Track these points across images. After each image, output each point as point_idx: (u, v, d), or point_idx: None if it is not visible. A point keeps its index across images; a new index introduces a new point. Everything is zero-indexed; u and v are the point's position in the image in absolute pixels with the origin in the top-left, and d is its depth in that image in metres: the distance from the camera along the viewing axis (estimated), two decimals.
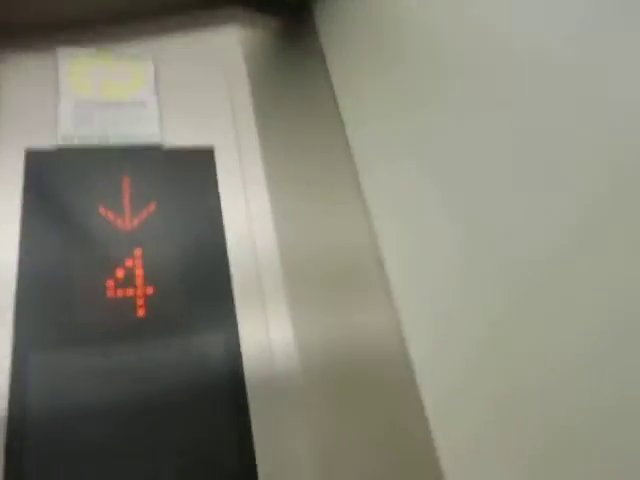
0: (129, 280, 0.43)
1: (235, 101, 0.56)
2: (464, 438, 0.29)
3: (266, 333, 0.45)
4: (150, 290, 0.43)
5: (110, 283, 0.42)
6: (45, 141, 0.46)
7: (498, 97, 0.31)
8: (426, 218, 0.34)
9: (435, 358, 0.31)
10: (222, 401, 0.41)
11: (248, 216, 0.50)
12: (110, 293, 0.42)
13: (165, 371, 0.41)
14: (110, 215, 0.45)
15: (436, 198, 0.33)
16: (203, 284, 0.45)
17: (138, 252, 0.44)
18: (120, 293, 0.42)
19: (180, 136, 0.51)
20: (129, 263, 0.43)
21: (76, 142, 0.46)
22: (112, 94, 0.50)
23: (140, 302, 0.43)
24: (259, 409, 0.41)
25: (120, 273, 0.43)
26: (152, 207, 0.46)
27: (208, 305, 0.44)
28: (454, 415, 0.29)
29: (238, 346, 0.43)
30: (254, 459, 0.39)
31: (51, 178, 0.45)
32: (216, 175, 0.50)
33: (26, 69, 0.50)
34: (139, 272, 0.43)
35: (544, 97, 0.28)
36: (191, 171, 0.49)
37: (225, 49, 0.59)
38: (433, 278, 0.32)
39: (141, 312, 0.42)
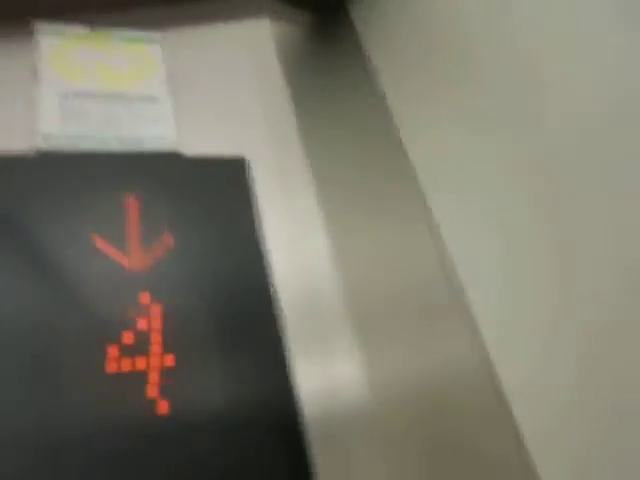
0: (138, 347, 0.29)
1: (269, 101, 0.43)
2: (568, 465, 0.27)
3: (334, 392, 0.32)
4: (169, 361, 0.29)
5: (112, 352, 0.28)
6: (20, 142, 0.32)
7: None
8: (511, 235, 0.31)
9: (532, 384, 0.29)
10: None
11: (297, 244, 0.36)
12: (111, 367, 0.28)
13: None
14: (110, 249, 0.31)
15: (522, 213, 0.31)
16: (246, 343, 0.31)
17: (155, 309, 0.30)
18: (126, 366, 0.28)
19: (200, 141, 0.38)
20: (141, 323, 0.29)
21: (62, 144, 0.32)
22: (111, 84, 0.36)
23: (154, 379, 0.28)
24: None
25: (126, 337, 0.29)
26: (169, 237, 0.32)
27: (257, 375, 0.30)
28: (556, 441, 0.27)
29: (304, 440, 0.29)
30: None
31: (28, 194, 0.31)
32: (252, 191, 0.37)
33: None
34: (156, 336, 0.29)
35: None
36: (219, 187, 0.36)
37: (255, 42, 0.47)
38: (525, 299, 0.30)
39: (152, 392, 0.28)
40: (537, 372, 0.29)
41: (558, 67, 0.31)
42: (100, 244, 0.31)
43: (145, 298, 0.30)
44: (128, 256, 0.31)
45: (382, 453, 0.33)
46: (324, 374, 0.34)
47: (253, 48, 0.46)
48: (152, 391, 0.28)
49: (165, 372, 0.29)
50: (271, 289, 0.33)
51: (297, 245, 0.37)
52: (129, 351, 0.29)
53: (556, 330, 0.29)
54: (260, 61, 0.46)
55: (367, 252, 0.39)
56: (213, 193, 0.36)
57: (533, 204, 0.31)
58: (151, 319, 0.29)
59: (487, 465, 0.30)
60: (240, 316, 0.32)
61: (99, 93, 0.35)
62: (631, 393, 0.25)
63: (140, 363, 0.28)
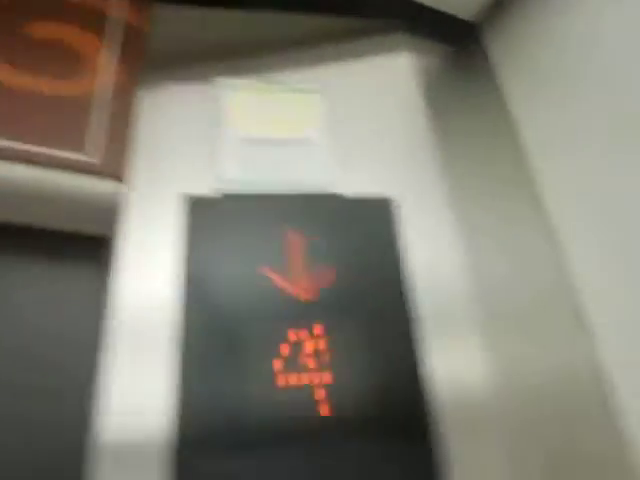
0: (303, 364, 0.34)
1: (414, 140, 0.47)
2: None
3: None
4: (328, 378, 0.34)
5: (278, 367, 0.34)
6: (203, 184, 0.39)
7: None
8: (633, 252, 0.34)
9: None
10: None
11: (441, 283, 0.40)
12: (280, 381, 0.33)
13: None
14: (279, 280, 0.36)
15: None
16: (394, 362, 0.35)
17: (317, 329, 0.35)
18: (292, 380, 0.33)
19: (352, 181, 0.42)
20: (309, 345, 0.34)
21: (241, 187, 0.38)
22: (279, 131, 0.42)
23: (320, 393, 0.33)
24: None
25: (293, 354, 0.34)
26: (333, 272, 0.37)
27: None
28: None
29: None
30: None
31: (215, 230, 0.37)
32: (397, 227, 0.40)
33: (183, 101, 0.43)
34: (319, 354, 0.34)
35: None
36: (369, 223, 0.40)
37: (399, 79, 0.50)
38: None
39: (323, 409, 0.33)
40: None
41: None
42: (271, 274, 0.37)
43: (311, 322, 0.35)
44: (295, 285, 0.36)
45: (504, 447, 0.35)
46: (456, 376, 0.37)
47: (396, 85, 0.50)
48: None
49: (325, 387, 0.34)
50: (412, 312, 0.37)
51: (435, 268, 0.40)
52: (295, 367, 0.34)
53: None
54: (404, 99, 0.49)
55: (504, 287, 0.42)
56: (364, 229, 0.40)
57: None
58: (318, 340, 0.34)
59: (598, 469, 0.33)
60: (388, 339, 0.36)
61: (270, 140, 0.41)
62: None
63: (304, 378, 0.34)
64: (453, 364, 0.37)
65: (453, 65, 0.55)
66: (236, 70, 0.45)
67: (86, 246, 0.38)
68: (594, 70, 0.40)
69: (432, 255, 0.41)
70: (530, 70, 0.48)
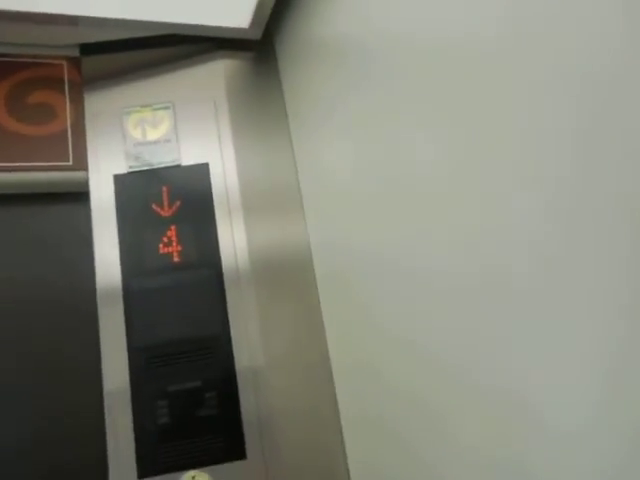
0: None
1: (226, 120, 0.92)
2: None
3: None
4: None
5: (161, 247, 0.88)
6: (122, 168, 0.89)
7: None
8: None
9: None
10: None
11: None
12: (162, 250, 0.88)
13: None
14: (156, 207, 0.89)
15: None
16: None
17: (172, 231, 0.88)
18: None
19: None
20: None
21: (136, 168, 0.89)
22: (152, 135, 0.89)
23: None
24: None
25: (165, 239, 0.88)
26: (178, 204, 0.89)
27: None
28: None
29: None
30: None
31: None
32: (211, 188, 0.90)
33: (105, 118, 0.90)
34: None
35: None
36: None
37: (215, 79, 0.93)
38: None
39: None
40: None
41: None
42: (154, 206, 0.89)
43: (169, 226, 0.89)
44: (162, 209, 0.89)
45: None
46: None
47: (214, 82, 0.93)
48: None
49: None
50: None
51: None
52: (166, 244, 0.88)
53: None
54: (220, 92, 0.93)
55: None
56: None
57: None
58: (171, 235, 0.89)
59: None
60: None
61: (148, 141, 0.89)
62: None
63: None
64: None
65: (252, 65, 0.95)
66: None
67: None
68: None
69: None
70: (301, 72, 0.89)
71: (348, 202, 0.72)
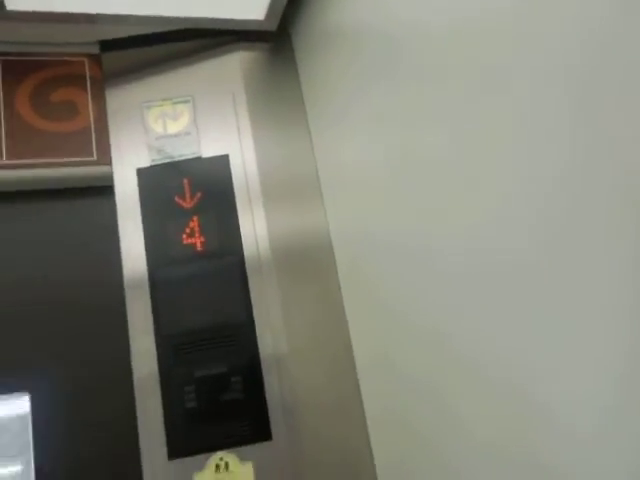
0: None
1: (246, 111, 0.94)
2: None
3: None
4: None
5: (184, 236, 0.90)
6: (145, 161, 0.91)
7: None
8: None
9: None
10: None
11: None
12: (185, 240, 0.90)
13: None
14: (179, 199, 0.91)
15: None
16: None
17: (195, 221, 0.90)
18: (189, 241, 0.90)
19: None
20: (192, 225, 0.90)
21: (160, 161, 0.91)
22: (173, 128, 0.91)
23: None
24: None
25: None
26: (199, 195, 0.91)
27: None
28: None
29: None
30: None
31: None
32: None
33: (128, 111, 0.92)
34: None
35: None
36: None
37: (232, 72, 0.94)
38: None
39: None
40: None
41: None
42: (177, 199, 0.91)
43: (192, 217, 0.91)
44: (184, 200, 0.91)
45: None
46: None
47: (232, 75, 0.94)
48: None
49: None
50: None
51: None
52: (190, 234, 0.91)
53: None
54: (237, 85, 0.94)
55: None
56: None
57: None
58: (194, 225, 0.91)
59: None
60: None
61: (169, 134, 0.91)
62: None
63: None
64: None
65: (269, 57, 0.96)
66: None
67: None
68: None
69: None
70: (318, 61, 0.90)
71: (366, 190, 0.74)
